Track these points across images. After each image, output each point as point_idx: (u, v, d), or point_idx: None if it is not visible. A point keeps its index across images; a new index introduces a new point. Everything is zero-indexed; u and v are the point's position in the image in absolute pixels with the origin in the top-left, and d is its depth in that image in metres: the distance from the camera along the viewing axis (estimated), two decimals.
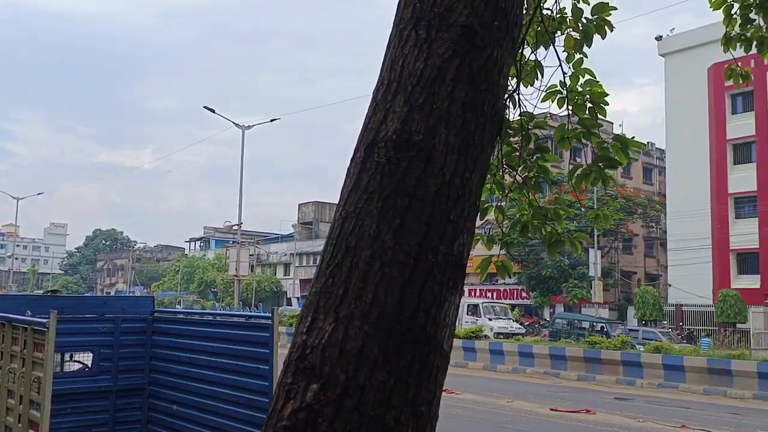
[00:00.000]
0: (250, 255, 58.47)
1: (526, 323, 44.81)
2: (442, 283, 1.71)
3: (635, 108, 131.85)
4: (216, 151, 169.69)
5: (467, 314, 35.15)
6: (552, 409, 13.39)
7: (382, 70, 1.93)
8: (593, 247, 38.96)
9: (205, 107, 37.59)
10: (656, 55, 46.22)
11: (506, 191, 4.97)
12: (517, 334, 31.06)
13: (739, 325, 35.57)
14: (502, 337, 29.41)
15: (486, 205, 4.99)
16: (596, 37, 4.89)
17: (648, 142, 57.09)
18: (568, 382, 19.84)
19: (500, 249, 5.00)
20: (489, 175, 5.04)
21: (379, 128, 1.82)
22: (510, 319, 36.76)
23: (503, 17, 1.91)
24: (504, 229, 5.19)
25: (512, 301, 48.44)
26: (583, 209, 34.79)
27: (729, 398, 16.73)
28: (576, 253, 6.18)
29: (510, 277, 5.88)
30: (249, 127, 39.05)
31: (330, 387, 1.61)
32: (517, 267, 47.36)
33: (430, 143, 1.76)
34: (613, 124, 57.22)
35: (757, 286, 37.49)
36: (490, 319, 34.62)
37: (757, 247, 38.13)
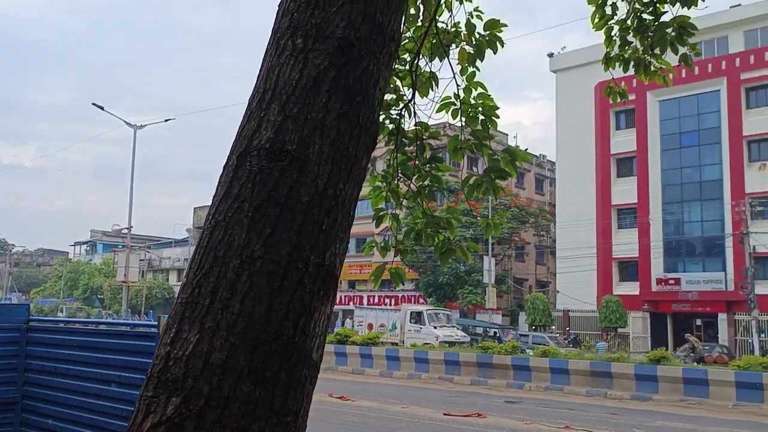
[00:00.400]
0: (141, 260, 56.21)
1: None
2: (313, 292, 1.72)
3: (529, 121, 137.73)
4: (106, 150, 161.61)
5: (410, 322, 34.34)
6: (445, 414, 13.65)
7: (258, 78, 1.92)
8: (488, 255, 40.21)
9: (93, 104, 35.91)
10: (549, 71, 48.54)
11: (401, 199, 5.01)
12: (463, 342, 30.33)
13: (620, 330, 37.84)
14: (447, 345, 28.20)
15: (382, 213, 5.02)
16: (497, 50, 5.01)
17: (540, 154, 59.77)
18: (462, 387, 20.33)
19: (394, 256, 5.03)
20: (384, 183, 5.08)
21: (253, 136, 1.80)
22: (454, 326, 35.42)
23: (380, 32, 1.93)
24: (398, 237, 5.23)
25: (365, 307, 49.21)
26: (478, 218, 35.87)
27: (609, 399, 17.71)
28: (470, 261, 6.31)
29: (403, 284, 5.91)
30: (141, 126, 37.57)
31: (192, 399, 1.57)
32: (415, 274, 48.20)
33: (304, 153, 1.76)
34: (507, 135, 59.49)
35: (637, 293, 40.03)
36: (435, 327, 33.28)
37: (637, 256, 40.72)
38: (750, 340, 32.18)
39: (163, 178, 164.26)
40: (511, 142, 58.46)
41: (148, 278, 65.60)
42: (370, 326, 36.49)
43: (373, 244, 5.43)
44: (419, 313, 35.77)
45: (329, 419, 12.65)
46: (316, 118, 1.79)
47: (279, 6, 1.99)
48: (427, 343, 27.97)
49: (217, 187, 1.81)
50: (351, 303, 55.07)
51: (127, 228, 39.43)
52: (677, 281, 38.29)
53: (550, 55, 48.16)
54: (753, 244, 33.41)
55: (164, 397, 1.59)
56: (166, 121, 39.31)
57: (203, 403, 1.56)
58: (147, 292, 58.97)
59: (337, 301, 56.50)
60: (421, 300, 49.53)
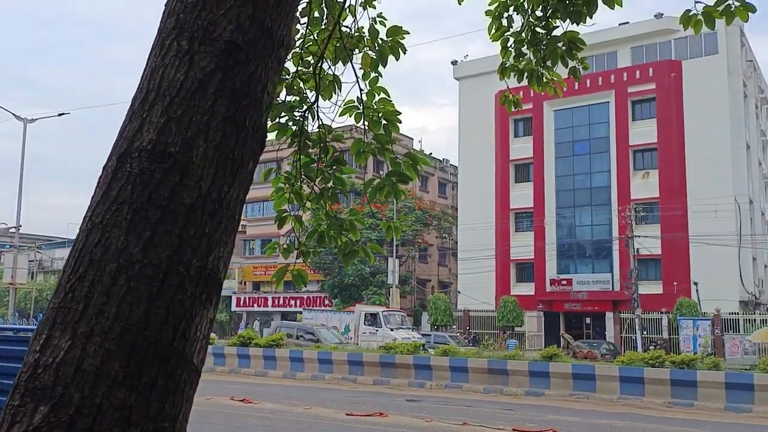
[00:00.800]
0: (30, 261, 52.95)
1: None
2: (194, 296, 1.69)
3: (434, 126, 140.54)
4: None
5: (365, 324, 32.94)
6: (348, 414, 13.73)
7: (141, 78, 1.87)
8: (392, 257, 40.72)
9: None
10: (453, 78, 49.79)
11: (304, 201, 5.04)
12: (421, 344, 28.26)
13: (516, 329, 39.36)
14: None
15: (285, 215, 5.02)
16: (399, 57, 5.11)
17: (444, 159, 61.19)
18: (365, 387, 20.49)
19: (296, 258, 5.05)
20: (287, 185, 5.09)
21: (134, 138, 1.76)
22: (410, 328, 34.44)
23: (269, 36, 1.94)
24: (301, 239, 5.25)
25: (315, 309, 48.99)
26: (383, 219, 36.27)
27: (505, 395, 18.39)
28: (372, 262, 6.40)
29: (305, 286, 5.92)
30: (32, 120, 35.44)
31: (62, 408, 1.52)
32: (321, 275, 48.10)
33: (187, 156, 1.73)
34: (413, 139, 60.54)
35: (532, 293, 41.79)
36: (391, 330, 32.23)
37: (533, 258, 42.51)
38: (634, 337, 34.30)
39: (57, 175, 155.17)
40: (416, 147, 59.50)
41: (39, 280, 61.82)
42: None
43: (275, 246, 5.43)
44: (374, 315, 33.90)
45: (231, 422, 12.44)
46: (201, 121, 1.76)
47: (165, 6, 1.96)
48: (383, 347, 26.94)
49: (96, 188, 1.75)
50: (255, 305, 54.23)
51: (15, 227, 37.01)
52: (569, 282, 40.28)
53: (454, 63, 49.42)
54: (637, 247, 35.68)
55: (31, 406, 1.53)
56: (59, 115, 37.19)
57: (74, 411, 1.51)
58: (37, 295, 55.59)
59: (242, 303, 55.56)
60: (326, 301, 49.49)
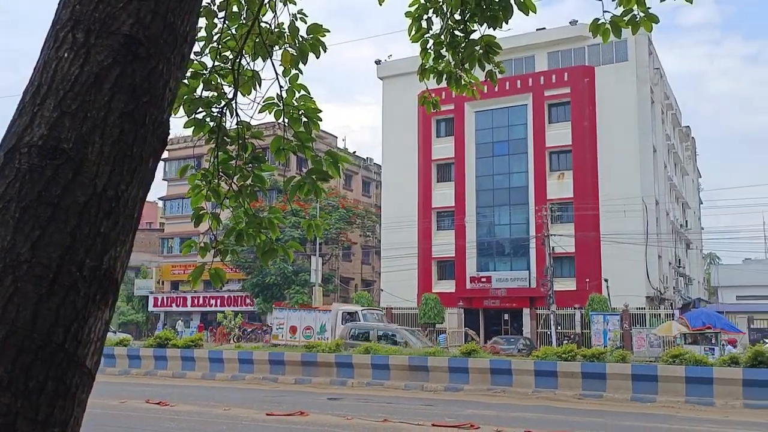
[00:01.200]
0: None
1: (249, 329, 44.95)
2: (88, 297, 1.64)
3: (359, 124, 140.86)
4: None
5: (342, 323, 31.12)
6: (268, 414, 13.59)
7: (34, 71, 1.79)
8: (315, 255, 40.53)
9: None
10: (376, 77, 50.02)
11: (222, 199, 4.95)
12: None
13: (438, 325, 40.01)
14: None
15: (201, 213, 4.92)
16: (320, 55, 5.09)
17: (367, 158, 61.43)
18: (286, 386, 20.33)
19: (213, 257, 4.95)
20: (204, 182, 4.99)
21: (24, 133, 1.68)
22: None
23: (171, 31, 1.89)
24: (219, 237, 5.16)
25: (236, 308, 48.18)
26: (307, 217, 36.05)
27: (425, 391, 18.68)
28: (291, 260, 6.35)
29: (223, 286, 5.82)
30: None
31: None
32: (242, 274, 47.32)
33: (82, 152, 1.67)
34: (337, 138, 60.48)
35: (453, 291, 42.58)
36: None
37: (453, 256, 43.31)
38: (549, 332, 35.55)
39: None
40: (340, 145, 59.52)
41: None
42: (293, 329, 32.68)
43: (192, 244, 5.31)
44: (352, 314, 32.37)
45: (145, 426, 12.07)
46: (97, 117, 1.70)
47: None
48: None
49: None
50: (174, 305, 52.79)
51: None
52: (488, 279, 41.30)
53: (378, 62, 49.67)
54: (552, 246, 36.98)
55: None
56: None
57: None
58: None
59: (160, 303, 53.90)
60: (248, 300, 48.76)
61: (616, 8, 5.03)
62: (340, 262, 52.72)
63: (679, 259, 49.85)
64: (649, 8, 4.89)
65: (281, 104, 4.86)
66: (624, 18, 4.97)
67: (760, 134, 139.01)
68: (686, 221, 54.48)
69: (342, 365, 21.02)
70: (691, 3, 4.77)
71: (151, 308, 53.97)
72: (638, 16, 4.92)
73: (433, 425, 12.16)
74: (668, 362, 17.51)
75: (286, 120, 4.91)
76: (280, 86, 4.84)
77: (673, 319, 32.34)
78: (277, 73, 4.81)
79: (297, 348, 25.06)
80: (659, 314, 36.43)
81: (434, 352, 20.82)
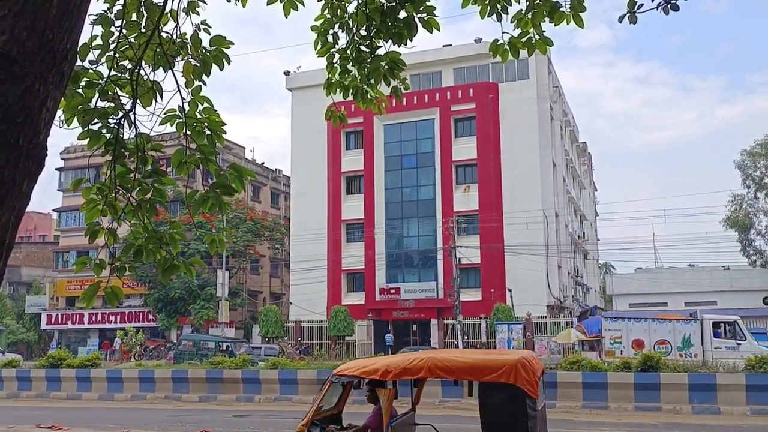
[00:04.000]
0: None
1: (151, 347, 43.20)
2: None
3: (268, 135, 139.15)
4: None
5: (714, 336, 25.48)
6: None
7: None
8: (221, 269, 39.60)
9: None
10: (285, 89, 49.66)
11: (119, 214, 4.75)
12: None
13: (347, 338, 39.94)
14: None
15: (96, 228, 4.70)
16: (223, 67, 4.99)
17: (276, 169, 60.75)
18: (190, 404, 19.69)
19: (110, 274, 4.74)
20: (101, 196, 4.77)
21: None
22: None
23: (50, 50, 1.80)
24: (117, 253, 4.95)
25: (138, 324, 46.24)
26: (213, 229, 35.18)
27: None
28: (193, 276, 6.19)
29: (120, 304, 5.60)
30: None
31: None
32: (144, 288, 45.50)
33: None
34: (245, 148, 59.50)
35: (362, 302, 42.67)
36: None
37: (363, 268, 43.45)
38: (456, 342, 36.24)
39: None
40: (248, 156, 58.59)
41: None
42: (639, 343, 25.68)
43: (86, 261, 5.07)
44: (732, 324, 25.90)
45: None
46: None
47: None
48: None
49: None
50: (69, 322, 50.01)
51: None
52: (397, 290, 41.70)
53: (287, 74, 49.36)
54: (459, 257, 37.83)
55: None
56: None
57: None
58: None
59: (54, 320, 50.87)
60: (150, 316, 46.91)
61: (514, 29, 5.25)
62: (248, 275, 51.74)
63: (578, 269, 52.24)
64: (544, 32, 5.13)
65: (183, 116, 4.73)
66: (522, 39, 5.19)
67: (649, 150, 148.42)
68: (584, 233, 57.22)
69: (249, 381, 20.59)
70: (582, 28, 5.04)
71: (44, 326, 50.89)
72: (534, 39, 5.16)
73: None
74: (567, 369, 18.24)
75: (189, 132, 4.78)
76: (182, 98, 4.72)
77: (572, 327, 33.77)
78: (178, 85, 4.69)
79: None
80: (559, 322, 37.96)
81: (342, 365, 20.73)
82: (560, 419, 14.95)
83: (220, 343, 33.99)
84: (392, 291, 41.92)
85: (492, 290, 39.89)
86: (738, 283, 45.66)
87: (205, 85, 4.93)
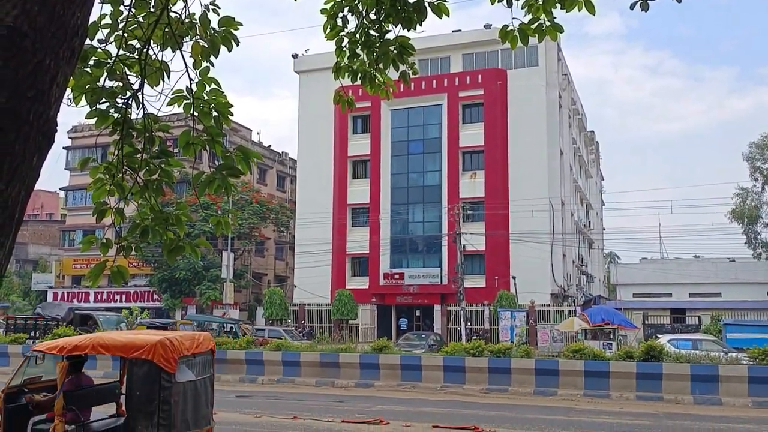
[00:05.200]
0: None
1: (157, 326, 43.45)
2: None
3: (276, 117, 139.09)
4: None
5: None
6: None
7: None
8: (227, 250, 39.75)
9: None
10: (293, 72, 49.50)
11: (127, 194, 4.77)
12: None
13: (350, 322, 40.11)
14: None
15: (104, 207, 4.72)
16: (232, 48, 4.97)
17: (283, 152, 60.72)
18: None
19: (117, 253, 4.77)
20: (108, 176, 4.78)
21: None
22: None
23: (61, 24, 1.79)
24: (123, 232, 4.98)
25: (143, 304, 46.55)
26: (219, 211, 35.25)
27: (336, 387, 18.70)
28: (198, 258, 6.21)
29: (126, 283, 5.64)
30: None
31: None
32: (149, 268, 45.75)
33: None
34: (252, 131, 59.42)
35: (366, 287, 42.79)
36: None
37: (368, 252, 43.54)
38: (459, 328, 36.35)
39: None
40: (255, 138, 58.51)
41: None
42: None
43: (93, 240, 5.10)
44: None
45: None
46: None
47: None
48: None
49: None
50: (75, 300, 50.36)
51: None
52: (401, 276, 41.78)
53: (295, 56, 49.17)
54: (464, 244, 37.83)
55: None
56: None
57: None
58: None
59: (60, 298, 51.25)
60: (155, 296, 47.22)
61: (524, 15, 5.21)
62: (253, 257, 51.91)
63: (582, 258, 52.19)
64: (555, 18, 5.09)
65: (191, 97, 4.73)
66: (531, 26, 5.15)
67: (658, 140, 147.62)
68: (589, 222, 57.10)
69: (252, 362, 20.73)
70: (594, 15, 4.99)
71: None
72: (545, 25, 5.11)
73: (342, 422, 12.20)
74: (569, 357, 18.28)
75: (196, 114, 4.78)
76: (190, 79, 4.70)
77: (575, 316, 33.78)
78: (186, 65, 4.68)
79: None
80: (563, 311, 37.99)
81: (345, 348, 20.86)
82: (562, 407, 15.03)
83: (224, 324, 34.19)
84: (396, 276, 42.00)
85: (496, 277, 39.93)
86: (743, 275, 45.57)
87: (213, 66, 4.92)
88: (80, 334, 24.80)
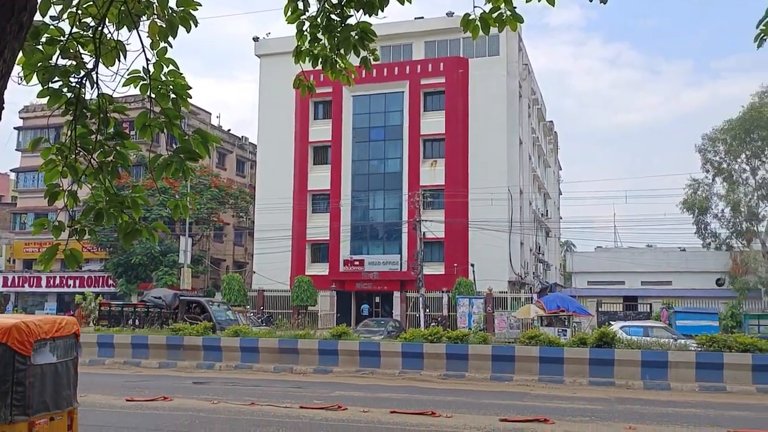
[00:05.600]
0: None
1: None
2: None
3: (236, 101, 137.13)
4: None
5: None
6: (128, 400, 13.07)
7: None
8: (184, 235, 39.21)
9: None
10: (254, 55, 48.80)
11: (80, 175, 4.66)
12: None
13: (310, 308, 40.04)
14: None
15: (56, 190, 4.62)
16: (191, 29, 4.87)
17: (242, 136, 59.98)
18: (150, 371, 19.60)
19: (69, 237, 4.66)
20: (60, 157, 4.67)
21: None
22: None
23: None
24: (76, 216, 4.88)
25: (97, 289, 45.60)
26: (177, 195, 34.68)
27: (294, 374, 18.69)
28: (156, 242, 6.14)
29: (80, 268, 5.51)
30: None
31: None
32: (104, 253, 44.83)
33: None
34: (211, 114, 58.51)
35: (326, 273, 42.75)
36: None
37: (328, 238, 43.46)
38: (418, 315, 36.63)
39: None
40: (215, 122, 57.64)
41: None
42: None
43: (45, 223, 4.98)
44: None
45: None
46: None
47: None
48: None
49: None
50: (26, 285, 49.07)
51: None
52: (361, 262, 41.83)
53: (256, 39, 48.50)
54: (424, 231, 38.05)
55: None
56: None
57: None
58: None
59: (10, 283, 49.88)
60: (111, 281, 46.32)
61: (485, 4, 5.24)
62: (212, 242, 51.33)
63: (539, 246, 53.04)
64: (515, 8, 5.13)
65: (148, 78, 4.63)
66: (493, 15, 5.18)
67: (617, 131, 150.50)
68: (547, 210, 58.00)
69: (209, 348, 20.57)
70: (553, 6, 5.05)
71: None
72: (505, 15, 5.16)
73: (300, 407, 12.21)
74: (525, 343, 18.62)
75: (153, 95, 4.69)
76: (147, 59, 4.61)
77: (531, 303, 34.36)
78: (143, 45, 4.58)
79: None
80: (519, 298, 38.58)
81: (304, 334, 20.85)
82: (517, 392, 15.33)
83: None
84: (356, 263, 42.04)
85: (455, 265, 40.30)
86: (693, 264, 46.94)
87: (171, 47, 4.83)
88: (190, 323, 23.70)
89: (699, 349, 17.62)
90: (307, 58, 5.89)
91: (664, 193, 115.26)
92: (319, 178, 44.70)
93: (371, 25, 5.55)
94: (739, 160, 43.22)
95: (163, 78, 4.75)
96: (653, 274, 47.09)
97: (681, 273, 46.74)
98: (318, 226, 43.77)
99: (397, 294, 40.97)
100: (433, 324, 29.21)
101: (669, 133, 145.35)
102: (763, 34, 5.03)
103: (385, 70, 42.66)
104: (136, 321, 26.98)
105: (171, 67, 4.76)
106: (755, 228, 42.81)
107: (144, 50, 4.60)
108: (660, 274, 47.03)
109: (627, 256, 48.51)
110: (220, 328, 23.99)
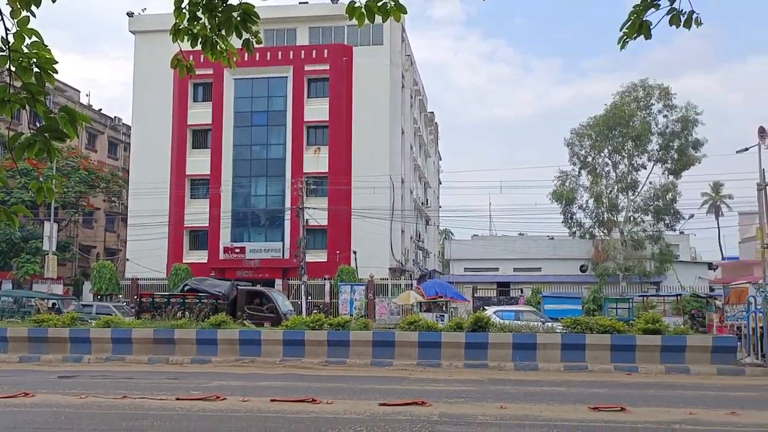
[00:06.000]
0: None
1: None
2: None
3: (107, 79, 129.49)
4: None
5: None
6: None
7: None
8: (49, 220, 36.69)
9: None
10: (128, 31, 46.30)
11: None
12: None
13: None
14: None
15: None
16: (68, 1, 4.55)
17: (115, 117, 56.84)
18: (9, 365, 18.22)
19: None
20: None
21: None
22: None
23: None
24: None
25: None
26: (40, 178, 32.32)
27: (170, 364, 18.06)
28: (17, 226, 5.72)
29: None
30: None
31: None
32: None
33: None
34: (80, 92, 54.93)
35: (205, 261, 41.60)
36: None
37: (207, 225, 42.26)
38: (300, 302, 36.49)
39: None
40: (83, 100, 54.14)
41: None
42: None
43: None
44: None
45: None
46: None
47: None
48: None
49: None
50: None
51: None
52: (242, 250, 41.06)
53: (130, 15, 46.00)
54: (306, 218, 37.91)
55: None
56: None
57: None
58: None
59: None
60: None
61: None
62: (80, 228, 48.39)
63: (419, 234, 54.39)
64: None
65: (7, 50, 4.29)
66: (377, 4, 5.23)
67: (493, 124, 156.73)
68: (427, 199, 59.52)
69: (77, 340, 19.43)
70: None
71: None
72: (389, 5, 5.21)
73: (177, 399, 11.82)
74: (405, 329, 19.05)
75: (13, 68, 4.34)
76: (6, 29, 4.27)
77: (411, 289, 35.22)
78: (2, 14, 4.24)
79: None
80: (400, 284, 39.44)
81: (181, 324, 20.17)
82: (396, 377, 15.66)
83: (46, 300, 31.66)
84: (237, 250, 41.20)
85: (338, 252, 40.49)
86: (560, 251, 49.95)
87: (35, 17, 4.50)
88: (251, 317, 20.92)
89: (564, 331, 18.79)
90: (185, 37, 5.67)
91: (535, 184, 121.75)
92: (198, 162, 43.29)
93: (254, 6, 5.43)
94: (602, 154, 46.30)
95: (25, 50, 4.42)
96: (524, 261, 49.63)
97: (549, 260, 49.60)
98: (197, 213, 42.43)
99: (279, 282, 40.60)
100: (314, 311, 29.23)
101: (540, 127, 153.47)
102: (626, 37, 5.42)
103: (269, 54, 41.91)
104: (186, 314, 22.87)
105: (34, 38, 4.43)
106: (615, 218, 46.17)
107: (2, 18, 4.26)
108: (530, 261, 49.64)
109: (500, 244, 50.81)
110: (285, 320, 21.85)
